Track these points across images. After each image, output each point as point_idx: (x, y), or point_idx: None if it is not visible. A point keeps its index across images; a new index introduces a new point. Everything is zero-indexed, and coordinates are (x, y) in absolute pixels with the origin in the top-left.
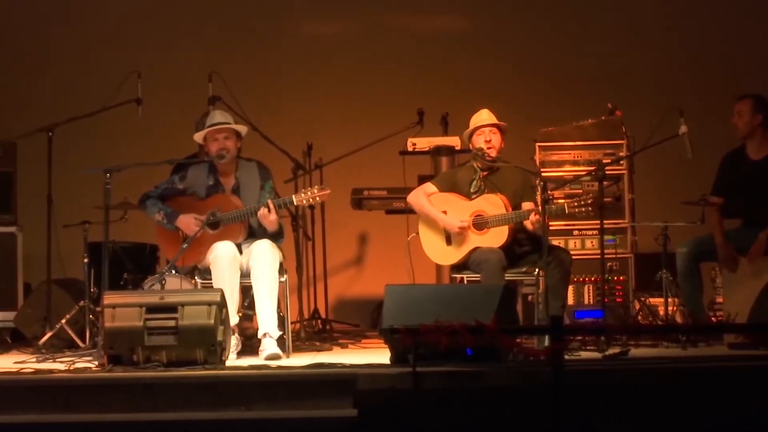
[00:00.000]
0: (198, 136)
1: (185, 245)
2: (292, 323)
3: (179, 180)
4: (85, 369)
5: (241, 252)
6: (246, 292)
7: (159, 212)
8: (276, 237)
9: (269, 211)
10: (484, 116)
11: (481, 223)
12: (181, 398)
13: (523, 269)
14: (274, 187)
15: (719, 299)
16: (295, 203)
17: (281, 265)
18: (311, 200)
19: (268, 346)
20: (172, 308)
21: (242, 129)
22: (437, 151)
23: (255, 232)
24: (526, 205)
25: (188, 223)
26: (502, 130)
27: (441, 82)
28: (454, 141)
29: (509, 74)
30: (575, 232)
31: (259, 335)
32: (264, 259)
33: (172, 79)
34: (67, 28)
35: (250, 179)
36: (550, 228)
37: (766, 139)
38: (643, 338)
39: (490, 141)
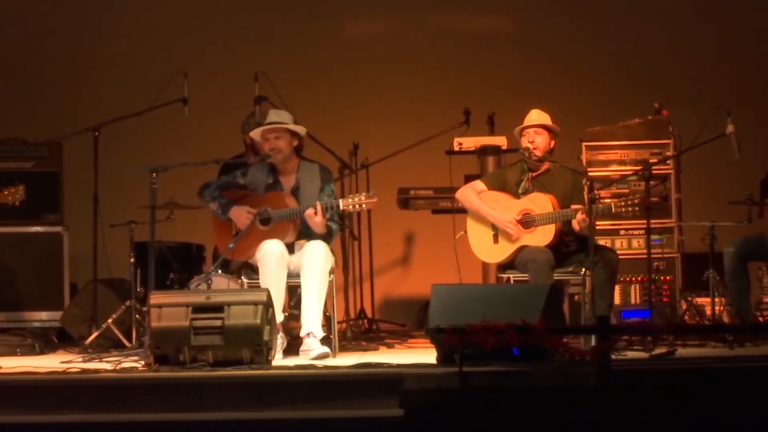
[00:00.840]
0: (255, 134)
1: (233, 243)
2: (338, 323)
3: (241, 176)
4: (132, 369)
5: (292, 251)
6: (293, 291)
7: (214, 201)
8: (325, 239)
9: (316, 212)
10: (532, 116)
11: (528, 222)
12: (227, 398)
13: (570, 269)
14: (334, 190)
15: (766, 299)
16: (341, 207)
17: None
18: (357, 206)
19: (313, 346)
20: (218, 308)
21: (298, 129)
22: (483, 151)
23: (309, 233)
24: (575, 207)
25: (240, 215)
26: (550, 131)
27: (487, 82)
28: (500, 141)
29: (556, 74)
30: (622, 232)
31: (302, 334)
32: (317, 260)
33: (218, 79)
34: (114, 28)
35: (310, 181)
36: (597, 228)
37: None
38: (690, 338)
39: (533, 142)
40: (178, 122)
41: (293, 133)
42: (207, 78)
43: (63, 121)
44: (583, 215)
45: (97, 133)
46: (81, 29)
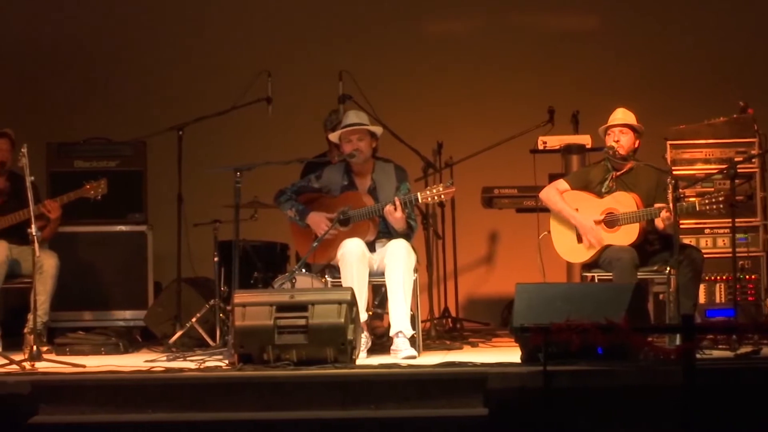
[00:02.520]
0: (333, 137)
1: (316, 243)
2: (422, 322)
3: (315, 179)
4: (216, 368)
5: (373, 250)
6: (376, 290)
7: (292, 209)
8: (406, 237)
9: (395, 208)
10: (617, 115)
11: (612, 221)
12: (311, 397)
13: (654, 268)
14: (410, 189)
15: None
16: (420, 200)
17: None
18: (436, 198)
19: (402, 346)
20: (302, 307)
21: (377, 130)
22: (568, 150)
23: (388, 232)
24: (659, 206)
25: (318, 221)
26: (635, 130)
27: (571, 81)
28: (584, 139)
29: (640, 72)
30: (707, 231)
31: (392, 333)
32: (399, 258)
33: (302, 78)
34: (198, 27)
35: (386, 180)
36: (682, 227)
37: None
38: None
39: (619, 141)
40: (262, 121)
41: (372, 134)
42: (291, 77)
43: (147, 121)
44: (668, 213)
45: (181, 132)
46: (166, 29)
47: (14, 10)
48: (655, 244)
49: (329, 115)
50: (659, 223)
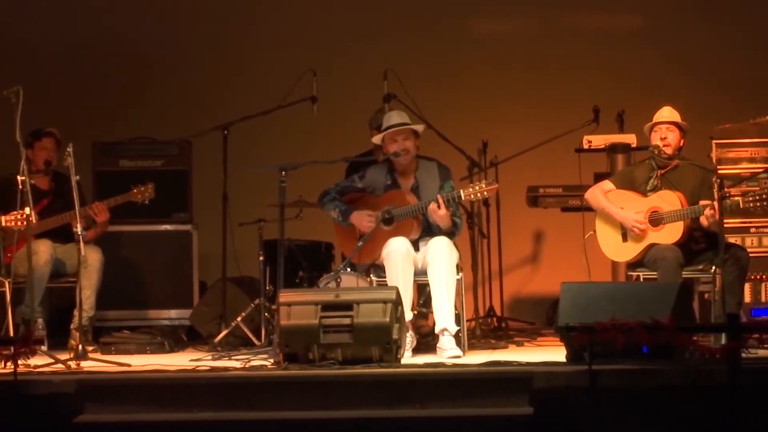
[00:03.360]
0: (376, 139)
1: (361, 243)
2: (467, 321)
3: (359, 179)
4: (261, 367)
5: (417, 249)
6: (421, 289)
7: (335, 209)
8: (450, 235)
9: (439, 206)
10: (663, 113)
11: (656, 219)
12: (357, 396)
13: (700, 267)
14: (454, 187)
15: None
16: (463, 198)
17: (457, 262)
18: (479, 195)
19: (448, 345)
20: (347, 306)
21: (420, 128)
22: (613, 149)
23: (432, 230)
24: (704, 203)
25: (361, 220)
26: (681, 129)
27: (616, 80)
28: (629, 138)
29: (685, 71)
30: (752, 230)
31: (437, 330)
32: (441, 255)
33: (347, 77)
34: (244, 27)
35: (430, 179)
36: (727, 225)
37: None
38: None
39: (665, 138)
40: (307, 121)
41: (415, 133)
42: (336, 76)
43: (193, 120)
44: (712, 210)
45: (226, 132)
46: (212, 29)
47: (62, 10)
48: (700, 243)
49: (375, 114)
50: (704, 221)
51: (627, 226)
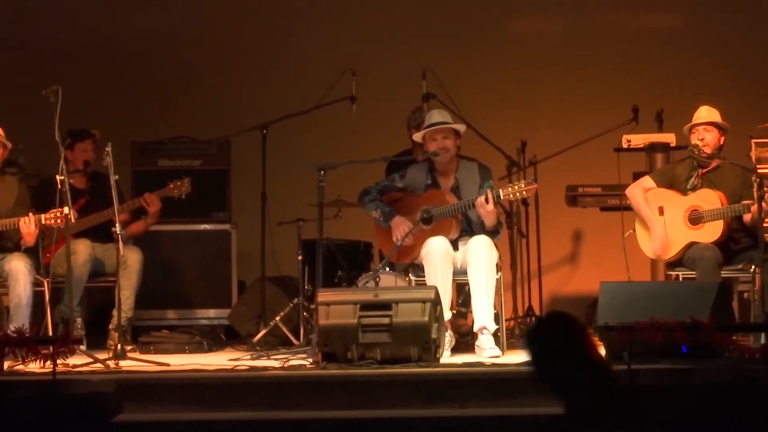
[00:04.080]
0: (417, 137)
1: (399, 244)
2: (506, 320)
3: (399, 178)
4: (300, 366)
5: (457, 249)
6: (460, 289)
7: (377, 210)
8: (493, 234)
9: (487, 201)
10: (701, 114)
11: (696, 218)
12: (395, 396)
13: (739, 266)
14: (493, 187)
15: None
16: (502, 198)
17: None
18: (518, 194)
19: (487, 344)
20: (386, 305)
21: (461, 128)
22: (652, 148)
23: (472, 229)
24: (746, 202)
25: (399, 225)
26: (720, 128)
27: (655, 79)
28: (669, 138)
29: (724, 69)
30: None
31: (475, 329)
32: (481, 254)
33: (386, 76)
34: (282, 26)
35: (470, 178)
36: (767, 225)
37: None
38: None
39: (703, 139)
40: (346, 120)
41: (456, 133)
42: (375, 75)
43: (231, 120)
44: (755, 208)
45: (265, 131)
46: (251, 29)
47: (101, 9)
48: (740, 242)
49: (412, 113)
50: (747, 218)
51: (651, 237)
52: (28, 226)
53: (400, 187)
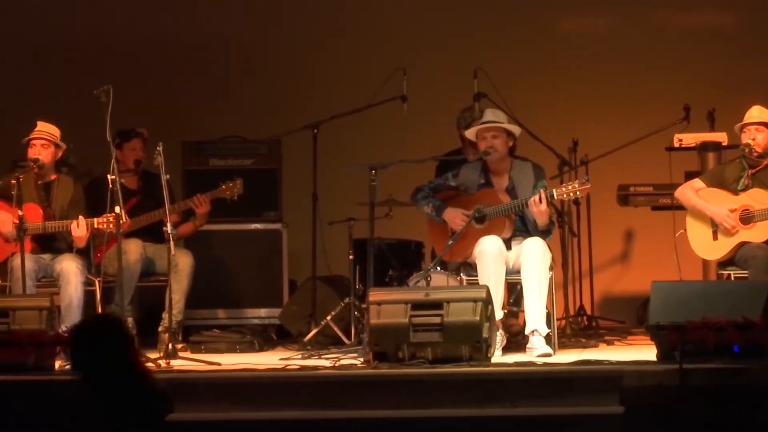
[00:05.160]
0: (469, 134)
1: (451, 241)
2: (557, 320)
3: (452, 177)
4: (351, 366)
5: (509, 248)
6: (512, 288)
7: (428, 205)
8: (545, 234)
9: (540, 200)
10: (753, 113)
11: (747, 218)
12: (447, 395)
13: None
14: (547, 187)
15: None
16: (555, 197)
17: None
18: (572, 194)
19: (538, 344)
20: (437, 305)
21: (514, 129)
22: (704, 147)
23: (527, 228)
24: None
25: (454, 216)
26: None
27: (707, 77)
28: (720, 137)
29: None
30: None
31: (527, 332)
32: (535, 257)
33: (437, 75)
34: (333, 25)
35: (524, 178)
36: None
37: None
38: None
39: (755, 138)
40: (397, 119)
41: (509, 133)
42: (426, 75)
43: (282, 119)
44: None
45: (316, 131)
46: (301, 28)
47: (151, 10)
48: None
49: (462, 113)
50: None
51: (718, 221)
52: (79, 229)
53: (452, 186)
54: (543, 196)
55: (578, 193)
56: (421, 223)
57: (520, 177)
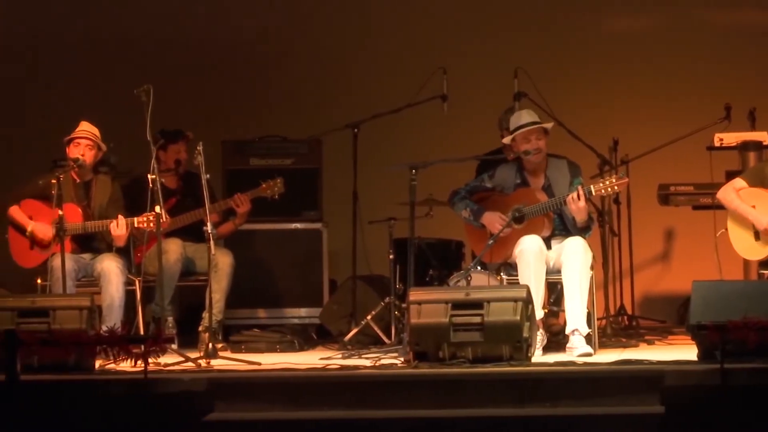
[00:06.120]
0: (507, 140)
1: (491, 242)
2: (598, 319)
3: (488, 178)
4: (391, 365)
5: (549, 248)
6: (552, 287)
7: (466, 209)
8: (585, 231)
9: (578, 197)
10: None
11: None
12: (487, 394)
13: None
14: (583, 184)
15: None
16: (593, 193)
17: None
18: (609, 190)
19: (578, 344)
20: (478, 304)
21: (549, 126)
22: (745, 147)
23: (566, 226)
24: None
25: (492, 220)
26: None
27: (748, 77)
28: (761, 136)
29: None
30: None
31: (567, 331)
32: (576, 256)
33: (477, 75)
34: (373, 25)
35: (560, 176)
36: None
37: None
38: None
39: None
40: (437, 119)
41: (546, 132)
42: (466, 74)
43: (323, 119)
44: None
45: (356, 130)
46: (341, 27)
47: (190, 10)
48: None
49: (504, 114)
50: None
51: (758, 227)
52: (119, 229)
53: (489, 187)
54: (581, 192)
55: (616, 188)
56: (461, 223)
57: (556, 175)
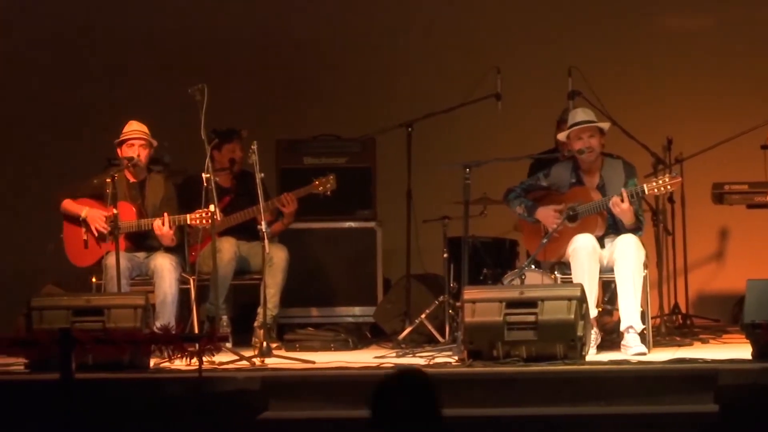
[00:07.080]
0: (561, 136)
1: (545, 240)
2: (652, 318)
3: (543, 177)
4: (445, 364)
5: (602, 246)
6: (606, 286)
7: (520, 205)
8: (635, 231)
9: (622, 200)
10: None
11: None
12: (541, 393)
13: None
14: (638, 185)
15: None
16: (646, 192)
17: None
18: (662, 188)
19: (632, 342)
20: (532, 303)
21: (606, 126)
22: None
23: (618, 226)
24: None
25: (547, 215)
26: None
27: None
28: None
29: None
30: None
31: (622, 329)
32: (629, 254)
33: (531, 73)
34: (426, 24)
35: (615, 176)
36: None
37: None
38: None
39: None
40: (491, 118)
41: (601, 131)
42: (520, 73)
43: (376, 118)
44: None
45: (410, 129)
46: (395, 27)
47: (246, 10)
48: None
49: (563, 114)
50: None
51: None
52: (164, 227)
53: (544, 185)
54: (625, 196)
55: (669, 186)
56: (515, 222)
57: (611, 175)
